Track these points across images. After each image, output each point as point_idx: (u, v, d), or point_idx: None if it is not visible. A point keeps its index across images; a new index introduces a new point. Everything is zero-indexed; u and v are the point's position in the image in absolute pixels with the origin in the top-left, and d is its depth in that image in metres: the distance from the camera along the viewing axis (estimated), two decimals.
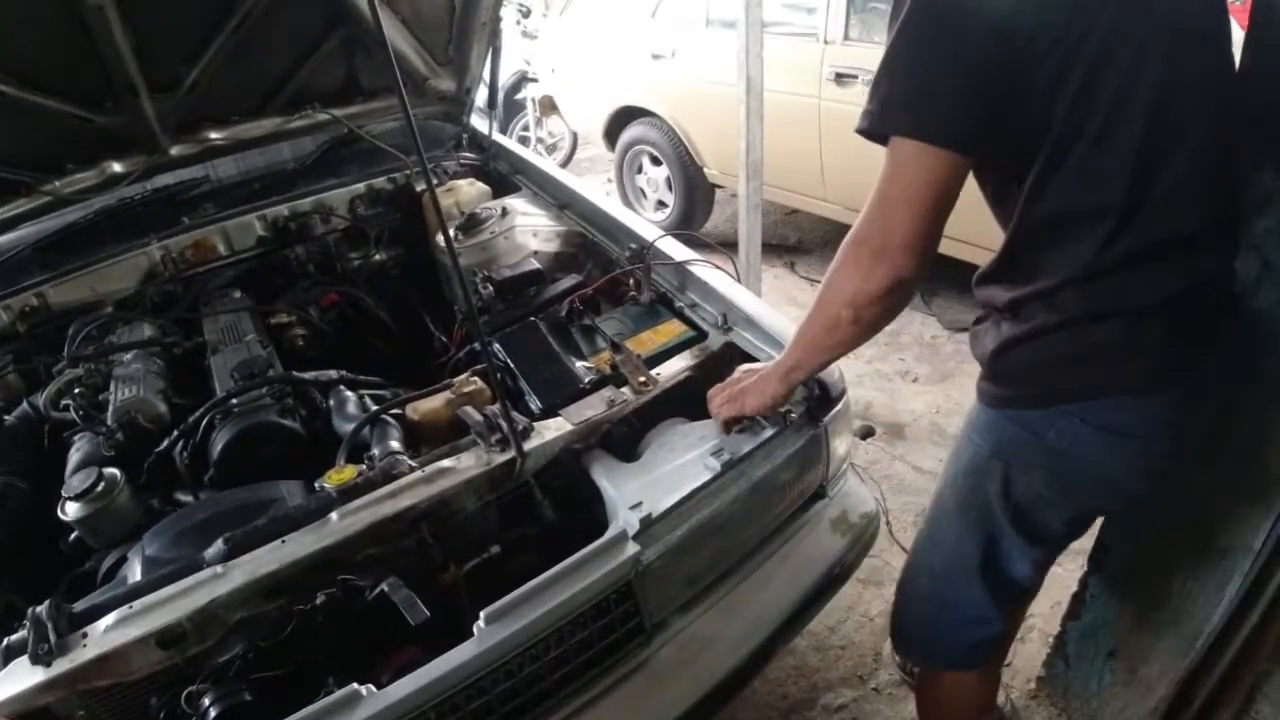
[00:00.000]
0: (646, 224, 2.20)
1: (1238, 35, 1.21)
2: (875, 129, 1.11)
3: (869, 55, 3.68)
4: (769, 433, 1.59)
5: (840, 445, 1.73)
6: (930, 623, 1.61)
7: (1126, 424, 1.23)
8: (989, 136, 1.08)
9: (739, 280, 2.01)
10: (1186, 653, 1.70)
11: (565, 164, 6.67)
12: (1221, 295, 1.26)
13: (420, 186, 2.62)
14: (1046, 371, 1.24)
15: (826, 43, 3.82)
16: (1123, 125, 1.07)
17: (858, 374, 3.63)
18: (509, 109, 6.71)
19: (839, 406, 1.67)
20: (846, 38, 3.76)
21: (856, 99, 3.70)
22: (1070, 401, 1.23)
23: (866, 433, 3.25)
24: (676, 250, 2.05)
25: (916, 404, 3.40)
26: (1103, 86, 1.05)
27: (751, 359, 1.77)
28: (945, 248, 3.63)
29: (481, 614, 1.27)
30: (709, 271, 1.96)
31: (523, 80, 6.51)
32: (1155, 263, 1.14)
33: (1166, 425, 1.25)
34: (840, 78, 3.75)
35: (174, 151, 2.41)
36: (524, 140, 6.56)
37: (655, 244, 2.04)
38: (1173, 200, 1.11)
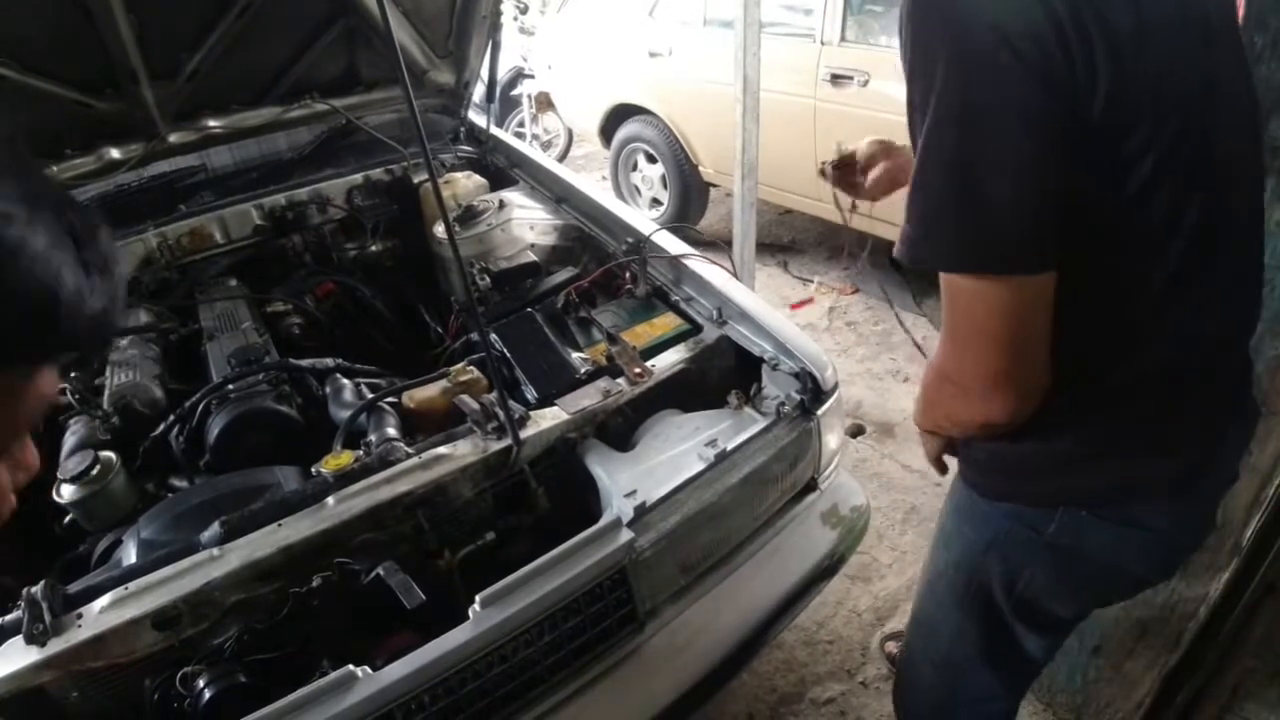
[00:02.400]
0: (643, 218, 2.21)
1: None
2: (918, 264, 0.89)
3: (865, 56, 3.71)
4: (761, 424, 1.60)
5: (832, 439, 1.75)
6: (940, 705, 1.49)
7: (1145, 519, 1.07)
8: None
9: (735, 276, 2.02)
10: (1171, 649, 1.72)
11: (560, 160, 6.67)
12: (1247, 369, 1.14)
13: (418, 178, 2.63)
14: (1056, 469, 1.07)
15: (823, 44, 3.83)
16: (1178, 199, 0.89)
17: (849, 372, 3.65)
18: (505, 105, 6.70)
19: (831, 400, 1.69)
20: (843, 39, 3.78)
21: (852, 100, 3.73)
22: (1083, 505, 1.07)
23: (857, 431, 3.27)
24: (672, 244, 2.06)
25: (907, 403, 3.42)
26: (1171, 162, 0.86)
27: (745, 353, 1.78)
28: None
29: (477, 597, 1.28)
30: (704, 266, 1.97)
31: (519, 76, 6.51)
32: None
33: (1193, 517, 1.13)
34: (836, 79, 3.77)
35: (172, 139, 2.42)
36: (519, 136, 6.56)
37: (651, 238, 2.05)
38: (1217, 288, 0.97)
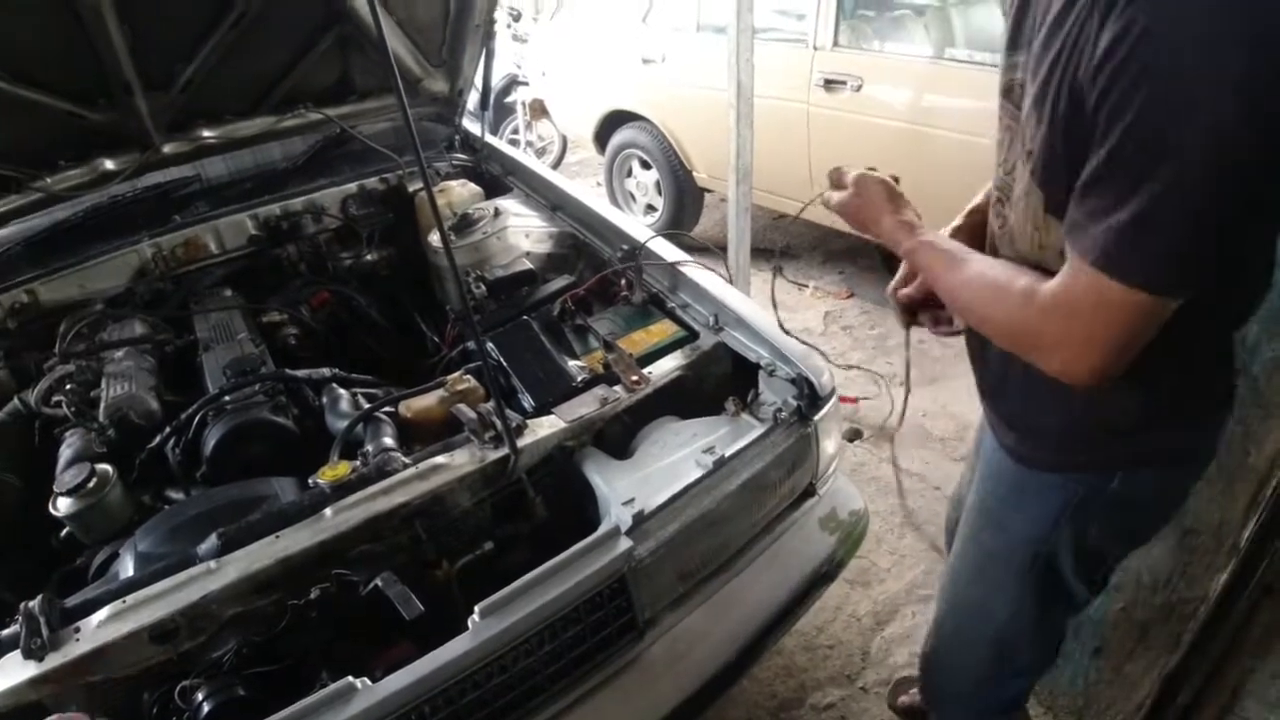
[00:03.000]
0: (638, 225, 2.22)
1: None
2: (1121, 276, 0.87)
3: (858, 61, 3.73)
4: (758, 431, 1.60)
5: (829, 443, 1.75)
6: (982, 683, 1.54)
7: (1189, 450, 1.18)
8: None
9: (731, 281, 2.02)
10: (1170, 650, 1.72)
11: (555, 167, 6.67)
12: None
13: (413, 186, 2.62)
14: (1124, 434, 1.13)
15: (816, 49, 3.84)
16: None
17: (844, 377, 3.65)
18: (499, 112, 6.71)
19: (829, 406, 1.69)
20: (836, 44, 3.79)
21: (845, 104, 3.74)
22: (1148, 464, 1.15)
23: (854, 435, 3.27)
24: (668, 251, 2.06)
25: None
26: None
27: (742, 359, 1.78)
28: None
29: (476, 608, 1.28)
30: (700, 272, 1.97)
31: (513, 83, 6.52)
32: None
33: (1217, 432, 1.20)
34: (829, 83, 3.78)
35: (166, 149, 2.41)
36: (514, 143, 6.57)
37: (647, 244, 2.05)
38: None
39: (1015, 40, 1.07)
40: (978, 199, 1.40)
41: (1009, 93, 1.10)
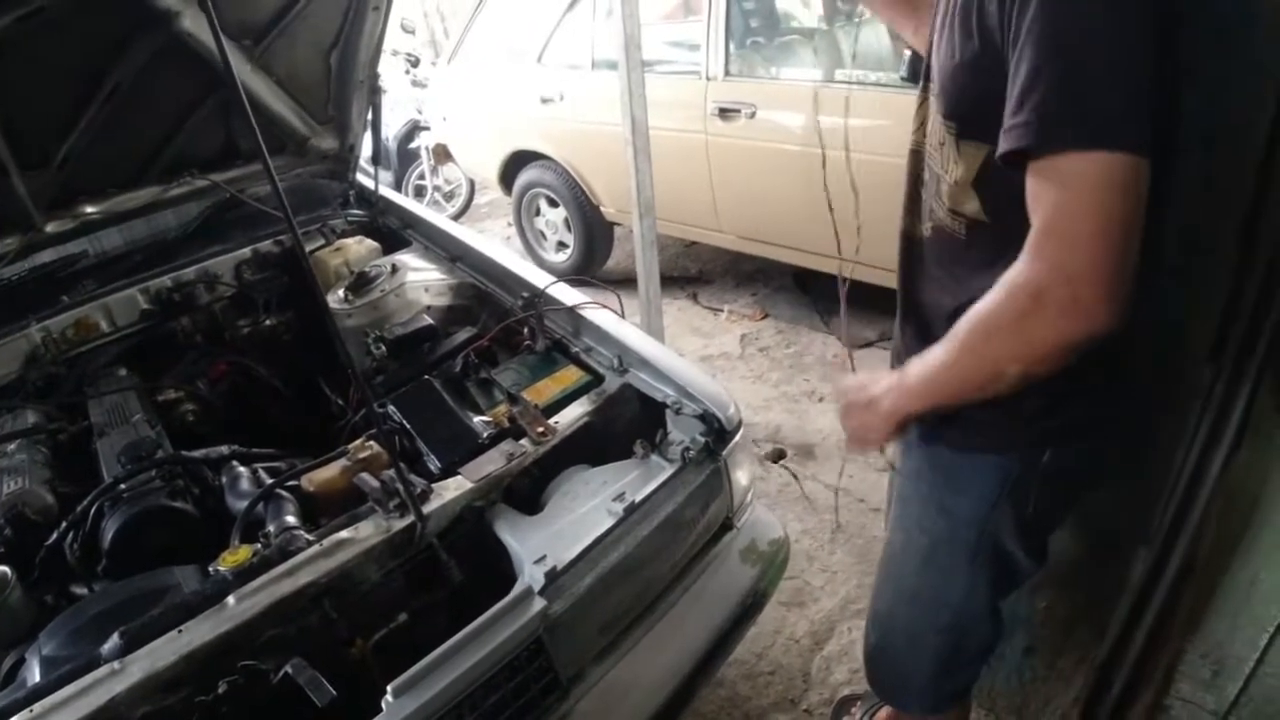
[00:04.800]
0: (538, 271, 2.21)
1: None
2: (1039, 146, 0.89)
3: (751, 89, 3.81)
4: (668, 471, 1.60)
5: (742, 476, 1.76)
6: (946, 669, 1.56)
7: (1111, 418, 1.23)
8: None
9: (622, 316, 2.03)
10: (1098, 641, 1.76)
11: (464, 210, 6.64)
12: None
13: (309, 247, 2.57)
14: (1055, 409, 1.16)
15: (709, 79, 3.91)
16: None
17: (765, 398, 3.70)
18: (404, 158, 6.66)
19: (737, 438, 1.70)
20: (728, 73, 3.86)
21: (742, 132, 3.81)
22: (1080, 434, 1.21)
23: (778, 455, 3.30)
24: (568, 296, 2.06)
25: (823, 423, 3.47)
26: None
27: (649, 399, 1.78)
28: (835, 268, 3.71)
29: (389, 687, 1.24)
30: (602, 314, 1.97)
31: (415, 129, 6.48)
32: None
33: (1144, 395, 1.27)
34: (724, 112, 3.84)
35: (49, 228, 2.32)
36: (420, 189, 6.52)
37: (547, 290, 2.05)
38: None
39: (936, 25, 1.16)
40: None
41: (930, 68, 1.19)
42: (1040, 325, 0.95)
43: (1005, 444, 1.22)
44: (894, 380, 1.20)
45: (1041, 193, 0.92)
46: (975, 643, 1.52)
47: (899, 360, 1.36)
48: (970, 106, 1.04)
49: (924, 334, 1.26)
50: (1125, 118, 0.87)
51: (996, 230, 1.09)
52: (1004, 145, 0.93)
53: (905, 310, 1.38)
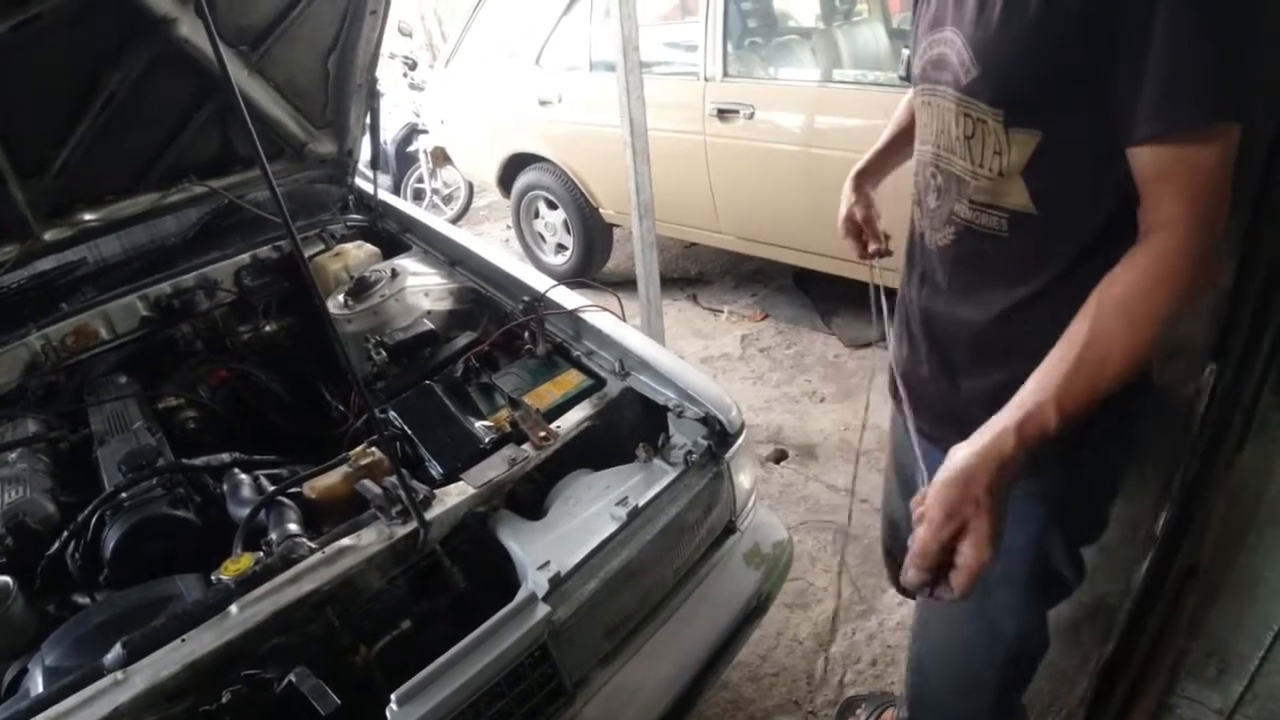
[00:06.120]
0: (538, 275, 2.21)
1: None
2: (1206, 117, 0.92)
3: (749, 90, 3.80)
4: (671, 475, 1.60)
5: (745, 479, 1.75)
6: (1006, 701, 1.55)
7: (1136, 410, 1.22)
8: None
9: (623, 319, 2.02)
10: (1103, 643, 1.75)
11: (463, 213, 6.63)
12: None
13: (309, 252, 2.57)
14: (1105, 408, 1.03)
15: (707, 80, 3.90)
16: None
17: (766, 399, 3.69)
18: (402, 162, 6.66)
19: (739, 442, 1.69)
20: (726, 74, 3.86)
21: (740, 132, 3.80)
22: (1116, 436, 1.23)
23: (780, 456, 3.29)
24: (568, 299, 2.06)
25: (825, 423, 3.47)
26: None
27: (650, 403, 1.78)
28: (836, 268, 3.71)
29: (393, 695, 1.24)
30: (603, 317, 1.97)
31: (413, 132, 6.48)
32: None
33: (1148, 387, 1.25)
34: (723, 113, 3.84)
35: (48, 236, 2.32)
36: (419, 192, 6.52)
37: (547, 294, 2.04)
38: None
39: (940, 18, 1.14)
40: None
41: (931, 69, 1.17)
42: (1182, 285, 0.95)
43: (1047, 466, 1.13)
44: (1000, 426, 0.98)
45: (1183, 163, 0.93)
46: (1030, 663, 1.51)
47: (924, 386, 1.33)
48: (1033, 89, 1.01)
49: (946, 352, 1.26)
50: (1246, 91, 0.91)
51: (1043, 221, 1.09)
52: (1153, 126, 0.93)
53: (925, 333, 1.32)
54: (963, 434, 1.02)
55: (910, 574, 0.98)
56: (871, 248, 1.54)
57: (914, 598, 1.82)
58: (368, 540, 1.43)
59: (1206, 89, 0.90)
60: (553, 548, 1.47)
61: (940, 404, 1.32)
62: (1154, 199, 0.96)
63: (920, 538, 0.97)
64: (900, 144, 1.56)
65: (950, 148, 1.16)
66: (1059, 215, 1.06)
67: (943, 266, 1.25)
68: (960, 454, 0.97)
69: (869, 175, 1.61)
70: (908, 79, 1.37)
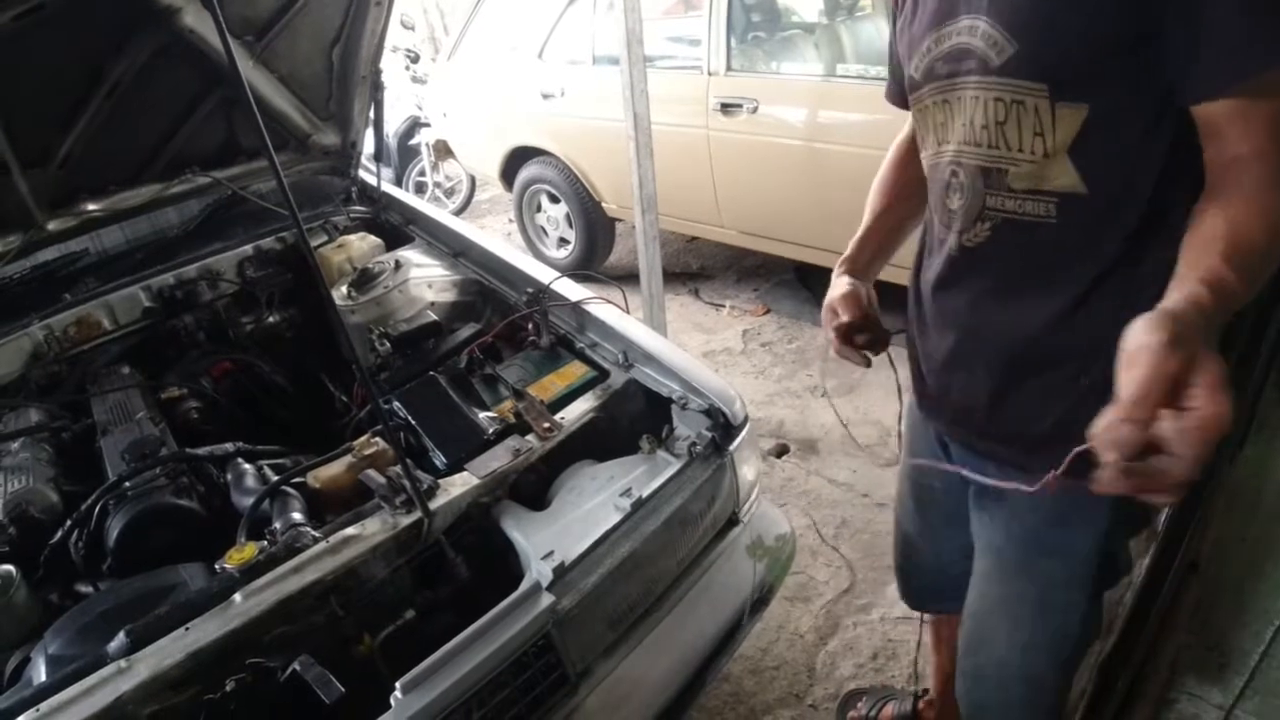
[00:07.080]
0: (542, 266, 2.20)
1: None
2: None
3: (753, 84, 3.79)
4: (675, 467, 1.60)
5: (748, 471, 1.75)
6: (1064, 697, 1.53)
7: None
8: None
9: (627, 311, 2.03)
10: (1104, 637, 1.76)
11: (465, 206, 6.63)
12: None
13: (312, 244, 2.57)
14: None
15: (710, 74, 3.90)
16: None
17: (768, 393, 3.69)
18: (404, 155, 6.66)
19: (743, 434, 1.70)
20: (729, 69, 3.85)
21: (743, 127, 3.80)
22: None
23: (781, 450, 3.30)
24: (572, 291, 2.06)
25: (826, 417, 3.47)
26: None
27: (654, 395, 1.78)
28: (827, 262, 3.72)
29: (398, 683, 1.24)
30: (607, 309, 1.97)
31: (415, 125, 6.47)
32: None
33: None
34: (726, 107, 3.83)
35: (51, 226, 2.32)
36: (421, 185, 6.51)
37: (551, 285, 2.04)
38: None
39: (948, 11, 1.09)
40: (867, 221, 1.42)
41: (943, 64, 1.11)
42: None
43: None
44: (1186, 288, 0.84)
45: (1263, 103, 0.89)
46: (1084, 653, 1.49)
47: (956, 416, 1.30)
48: (1081, 55, 0.96)
49: (992, 363, 1.20)
50: None
51: (1093, 202, 1.03)
52: (1232, 76, 0.89)
53: (960, 348, 1.25)
54: (1004, 442, 1.15)
55: (1125, 430, 0.74)
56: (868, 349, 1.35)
57: (924, 612, 1.82)
58: (372, 530, 1.43)
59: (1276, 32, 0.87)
60: (556, 538, 1.47)
61: (980, 415, 1.25)
62: (1234, 140, 0.91)
63: (1139, 378, 0.74)
64: (892, 232, 1.43)
65: (976, 140, 1.09)
66: (1108, 194, 1.01)
67: (974, 267, 1.18)
68: (1147, 316, 0.78)
69: (857, 269, 1.40)
70: (899, 99, 1.30)
